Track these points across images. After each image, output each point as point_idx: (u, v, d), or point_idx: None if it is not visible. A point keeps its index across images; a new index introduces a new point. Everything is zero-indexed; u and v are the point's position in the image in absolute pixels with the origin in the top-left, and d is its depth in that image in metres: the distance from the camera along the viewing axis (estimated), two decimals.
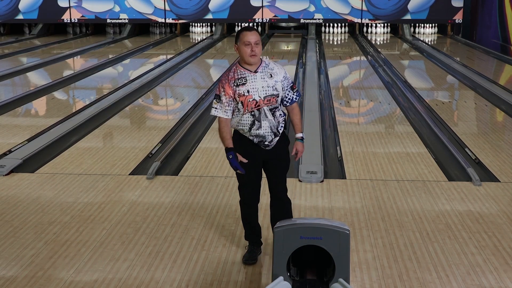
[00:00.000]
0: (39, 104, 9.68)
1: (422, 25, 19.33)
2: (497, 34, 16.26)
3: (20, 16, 19.96)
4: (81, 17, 19.74)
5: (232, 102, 3.89)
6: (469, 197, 5.31)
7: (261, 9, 19.13)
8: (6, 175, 5.96)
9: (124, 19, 19.69)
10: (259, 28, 19.78)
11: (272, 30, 19.74)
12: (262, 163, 4.02)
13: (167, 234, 4.56)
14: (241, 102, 3.85)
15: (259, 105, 3.86)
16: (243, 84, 3.85)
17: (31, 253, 4.25)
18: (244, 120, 3.89)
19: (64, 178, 5.88)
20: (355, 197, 5.33)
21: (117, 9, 19.61)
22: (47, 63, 13.72)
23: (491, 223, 4.74)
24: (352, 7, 18.93)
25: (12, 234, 4.59)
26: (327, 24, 19.56)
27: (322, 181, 5.73)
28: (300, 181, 5.69)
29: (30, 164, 6.30)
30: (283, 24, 19.82)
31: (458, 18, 18.67)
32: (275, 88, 3.89)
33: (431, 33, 19.34)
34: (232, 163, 3.91)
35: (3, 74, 11.91)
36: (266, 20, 19.19)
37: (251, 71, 3.88)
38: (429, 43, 17.47)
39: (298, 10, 19.06)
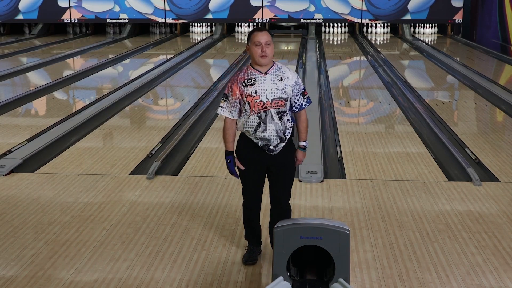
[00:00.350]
0: (39, 104, 9.68)
1: (422, 25, 19.33)
2: (497, 34, 16.26)
3: (20, 16, 19.96)
4: (81, 17, 19.74)
5: (239, 103, 3.85)
6: (469, 197, 5.31)
7: (261, 9, 19.13)
8: (6, 175, 5.96)
9: (124, 19, 19.69)
10: None
11: (272, 30, 19.74)
12: (265, 169, 3.96)
13: (167, 234, 4.56)
14: (248, 103, 3.81)
15: (266, 107, 3.80)
16: (252, 84, 3.81)
17: (31, 253, 4.25)
18: (250, 122, 3.83)
19: (64, 178, 5.88)
20: (355, 197, 5.33)
21: (117, 9, 19.61)
22: (47, 63, 13.72)
23: (491, 223, 4.74)
24: (352, 7, 18.93)
25: (12, 234, 4.59)
26: (327, 24, 19.56)
27: (322, 181, 5.73)
28: (300, 181, 5.68)
29: (30, 164, 6.30)
30: (283, 24, 19.82)
31: (458, 18, 18.67)
32: (284, 92, 3.82)
33: (431, 33, 19.34)
34: (229, 167, 3.92)
35: (3, 74, 11.91)
36: (266, 20, 19.19)
37: (261, 73, 3.84)
38: (429, 43, 17.47)
39: (298, 10, 19.06)
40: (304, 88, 3.94)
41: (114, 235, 4.54)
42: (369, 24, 19.42)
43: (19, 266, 4.07)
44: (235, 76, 3.90)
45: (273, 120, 3.81)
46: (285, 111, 3.85)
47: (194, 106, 9.14)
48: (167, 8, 19.43)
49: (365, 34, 19.44)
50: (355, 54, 15.62)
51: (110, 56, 14.85)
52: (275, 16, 19.17)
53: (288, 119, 3.88)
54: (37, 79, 12.32)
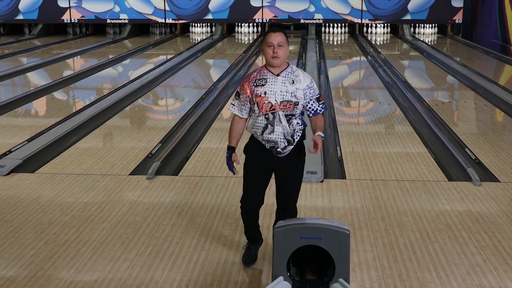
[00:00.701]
0: (39, 104, 9.68)
1: (422, 25, 19.33)
2: (497, 34, 16.26)
3: (20, 16, 19.96)
4: (81, 17, 19.74)
5: (249, 102, 3.84)
6: (469, 197, 5.31)
7: (261, 9, 19.13)
8: (6, 175, 5.96)
9: (124, 19, 19.69)
10: (259, 28, 19.80)
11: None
12: (272, 172, 3.92)
13: (167, 234, 4.56)
14: (257, 103, 3.78)
15: (274, 109, 3.76)
16: (262, 85, 3.79)
17: (31, 253, 4.25)
18: (258, 123, 3.80)
19: (64, 178, 5.88)
20: (355, 197, 5.33)
21: (117, 9, 19.61)
22: (47, 63, 13.72)
23: (491, 223, 4.74)
24: (352, 7, 18.94)
25: (12, 234, 4.59)
26: (327, 24, 19.56)
27: (322, 181, 5.73)
28: None
29: (30, 164, 6.30)
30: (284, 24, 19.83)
31: (458, 18, 18.67)
32: (294, 95, 3.77)
33: (431, 33, 19.35)
34: (227, 161, 3.90)
35: (3, 74, 11.91)
36: (266, 20, 19.19)
37: (273, 74, 3.81)
38: (429, 43, 17.47)
39: (298, 10, 19.06)
40: (319, 94, 3.87)
41: (114, 235, 4.54)
42: (369, 24, 19.43)
43: (19, 266, 4.07)
44: (249, 75, 3.89)
45: (281, 122, 3.76)
46: (294, 115, 3.79)
47: (194, 106, 9.14)
48: (167, 8, 19.43)
49: (365, 34, 19.44)
50: (355, 54, 15.62)
51: (110, 56, 14.85)
52: (275, 16, 19.17)
53: (298, 123, 3.81)
54: (37, 79, 12.32)
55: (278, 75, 3.81)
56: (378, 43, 17.90)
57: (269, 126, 3.78)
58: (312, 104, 3.84)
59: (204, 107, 8.97)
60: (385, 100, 9.66)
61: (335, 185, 5.63)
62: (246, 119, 3.92)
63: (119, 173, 6.04)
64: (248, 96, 3.82)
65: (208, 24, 20.11)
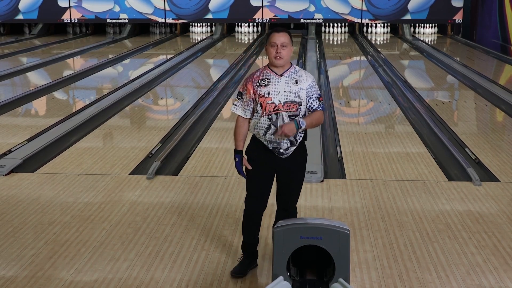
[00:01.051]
0: (39, 104, 9.68)
1: (422, 25, 19.33)
2: (497, 34, 16.26)
3: (20, 16, 19.96)
4: (81, 17, 19.74)
5: (252, 103, 3.80)
6: (469, 197, 5.31)
7: (261, 9, 19.13)
8: (6, 175, 5.96)
9: (124, 19, 19.69)
10: (259, 28, 19.80)
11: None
12: (274, 173, 3.87)
13: (167, 234, 4.56)
14: (260, 104, 3.74)
15: (277, 109, 3.72)
16: (266, 85, 3.75)
17: (31, 253, 4.25)
18: (261, 123, 3.76)
19: (64, 178, 5.88)
20: (355, 197, 5.33)
21: (117, 9, 19.61)
22: (47, 63, 13.72)
23: (491, 223, 4.74)
24: (352, 7, 18.93)
25: (12, 234, 4.59)
26: (327, 24, 19.56)
27: (322, 181, 5.73)
28: None
29: (30, 164, 6.30)
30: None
31: (458, 18, 18.67)
32: (298, 95, 3.74)
33: (431, 33, 19.34)
34: (237, 166, 3.85)
35: (3, 74, 11.91)
36: (266, 20, 19.19)
37: (276, 74, 3.77)
38: (429, 43, 17.47)
39: (298, 10, 19.06)
40: (319, 95, 3.83)
41: (114, 235, 4.54)
42: (369, 24, 19.43)
43: (19, 266, 4.07)
44: (252, 75, 3.85)
45: (284, 123, 3.72)
46: (297, 115, 3.75)
47: (194, 106, 9.14)
48: (167, 8, 19.43)
49: (365, 34, 19.44)
50: (355, 54, 15.62)
51: (110, 56, 14.85)
52: (275, 16, 19.17)
53: None
54: (37, 79, 12.32)
55: (281, 75, 3.77)
56: (378, 43, 17.90)
57: (272, 126, 3.74)
58: (312, 102, 3.81)
59: (204, 107, 8.97)
60: (385, 100, 9.66)
61: (335, 185, 5.63)
62: (249, 119, 3.88)
63: (119, 173, 6.04)
64: (251, 96, 3.78)
65: (208, 24, 20.11)
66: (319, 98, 3.83)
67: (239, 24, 19.99)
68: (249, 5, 19.18)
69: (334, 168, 6.26)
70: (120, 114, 8.82)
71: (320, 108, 3.83)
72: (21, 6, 19.82)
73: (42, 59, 14.17)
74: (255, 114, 3.81)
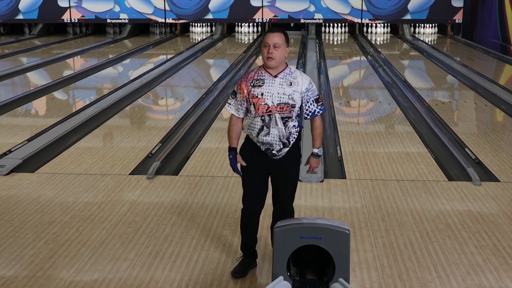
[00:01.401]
0: (39, 104, 9.68)
1: (422, 25, 19.33)
2: (497, 34, 16.26)
3: (20, 16, 19.96)
4: (81, 17, 19.74)
5: (245, 102, 3.78)
6: (469, 197, 5.31)
7: (261, 9, 19.13)
8: (6, 175, 5.96)
9: (124, 19, 19.69)
10: (259, 28, 19.79)
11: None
12: (268, 173, 3.86)
13: (167, 234, 4.56)
14: (254, 104, 3.72)
15: (270, 111, 3.70)
16: (259, 86, 3.72)
17: (31, 253, 4.25)
18: (253, 124, 3.75)
19: (64, 178, 5.88)
20: (355, 197, 5.33)
21: (117, 9, 19.61)
22: (47, 63, 13.72)
23: (491, 223, 4.75)
24: (352, 7, 18.93)
25: (12, 234, 4.59)
26: (327, 24, 19.56)
27: (322, 181, 5.73)
28: (300, 181, 5.68)
29: (30, 164, 6.30)
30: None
31: (458, 18, 18.67)
32: (292, 98, 3.71)
33: (431, 33, 19.34)
34: (231, 163, 3.84)
35: (3, 74, 11.90)
36: (266, 20, 19.19)
37: (271, 75, 3.74)
38: (429, 43, 17.47)
39: (298, 10, 19.06)
40: (318, 95, 3.81)
41: (114, 235, 4.54)
42: (369, 24, 19.43)
43: (19, 265, 4.07)
44: (246, 74, 3.83)
45: (277, 125, 3.70)
46: (291, 117, 3.73)
47: (194, 106, 9.14)
48: (167, 8, 19.43)
49: (365, 34, 19.44)
50: (355, 54, 15.62)
51: (110, 56, 14.85)
52: (275, 16, 19.17)
53: (294, 125, 3.76)
54: (37, 79, 12.32)
55: (275, 76, 3.74)
56: (378, 43, 17.90)
57: (264, 128, 3.72)
58: (310, 106, 3.79)
59: (204, 107, 8.97)
60: (385, 100, 9.66)
61: (335, 185, 5.63)
62: (243, 118, 3.86)
63: (119, 173, 6.04)
64: (245, 96, 3.76)
65: (208, 24, 20.11)
66: (317, 100, 3.80)
67: (239, 24, 19.99)
68: (249, 5, 19.18)
69: (334, 168, 6.26)
70: (120, 114, 8.82)
71: (320, 111, 3.82)
72: (21, 6, 19.82)
73: (42, 59, 14.17)
74: (249, 115, 3.79)
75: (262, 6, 19.10)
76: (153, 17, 19.62)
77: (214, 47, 16.79)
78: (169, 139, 7.26)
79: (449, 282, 3.84)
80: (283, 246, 3.42)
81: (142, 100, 9.92)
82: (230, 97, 3.88)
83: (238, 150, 3.90)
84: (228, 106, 3.87)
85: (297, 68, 12.73)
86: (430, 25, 19.35)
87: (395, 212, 4.97)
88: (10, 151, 6.70)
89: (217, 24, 19.77)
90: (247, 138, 3.87)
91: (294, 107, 3.74)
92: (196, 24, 20.18)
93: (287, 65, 3.81)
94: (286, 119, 3.73)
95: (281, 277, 3.40)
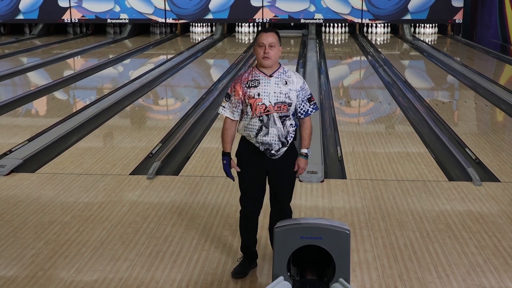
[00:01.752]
0: (39, 104, 9.68)
1: (422, 25, 19.33)
2: (497, 34, 16.26)
3: (20, 16, 19.96)
4: (81, 17, 19.74)
5: (241, 104, 3.77)
6: (469, 197, 5.31)
7: (261, 9, 19.13)
8: (6, 175, 5.96)
9: (125, 19, 19.69)
10: (259, 28, 19.79)
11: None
12: (265, 174, 3.85)
13: (167, 234, 4.56)
14: (250, 105, 3.71)
15: (268, 111, 3.70)
16: (255, 86, 3.72)
17: (31, 253, 4.25)
18: (251, 125, 3.73)
19: (64, 178, 5.89)
20: (355, 197, 5.33)
21: (117, 9, 19.61)
22: (47, 63, 13.72)
23: (491, 223, 4.75)
24: (352, 7, 18.93)
25: (12, 234, 4.59)
26: (327, 24, 19.56)
27: (322, 181, 5.73)
28: (300, 181, 5.68)
29: (31, 164, 6.30)
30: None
31: (458, 18, 18.67)
32: (288, 96, 3.71)
33: (431, 33, 19.34)
34: (225, 169, 3.82)
35: (3, 74, 11.91)
36: (266, 20, 19.19)
37: (266, 75, 3.75)
38: (429, 43, 17.47)
39: (298, 10, 19.06)
40: (310, 94, 3.82)
41: (115, 235, 4.55)
42: (369, 24, 19.42)
43: (20, 266, 4.07)
44: (240, 76, 3.82)
45: (275, 124, 3.70)
46: (288, 116, 3.74)
47: (194, 106, 9.14)
48: (167, 8, 19.43)
49: (365, 34, 19.44)
50: (355, 54, 15.62)
51: (111, 56, 14.85)
52: (275, 16, 19.17)
53: (291, 124, 3.76)
54: (37, 79, 12.32)
55: (271, 76, 3.75)
56: (378, 43, 17.90)
57: (263, 128, 3.71)
58: (303, 105, 3.79)
59: (205, 107, 8.97)
60: (385, 100, 9.66)
61: (335, 185, 5.63)
62: (237, 121, 3.84)
63: (119, 173, 6.04)
64: (241, 97, 3.75)
65: (208, 24, 20.10)
66: (310, 99, 3.80)
67: (240, 24, 19.99)
68: (249, 5, 19.18)
69: (335, 168, 6.26)
70: (121, 114, 8.82)
71: (314, 110, 3.82)
72: (21, 6, 19.82)
73: (42, 59, 14.17)
74: (245, 116, 3.77)
75: (262, 6, 19.10)
76: (153, 17, 19.62)
77: (214, 47, 16.79)
78: (169, 139, 7.27)
79: (450, 282, 3.84)
80: (284, 246, 3.42)
81: (143, 100, 9.92)
82: (224, 100, 3.85)
83: (234, 153, 3.89)
84: (223, 109, 3.84)
85: (297, 68, 12.74)
86: (430, 25, 19.35)
87: (395, 212, 4.97)
88: (10, 151, 6.70)
89: (217, 24, 19.77)
90: (243, 139, 3.85)
91: (291, 106, 3.74)
92: (196, 24, 20.18)
93: (280, 65, 3.82)
94: (284, 118, 3.73)
95: (281, 277, 3.40)
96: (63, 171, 6.09)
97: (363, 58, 15.02)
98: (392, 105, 9.31)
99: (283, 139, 3.74)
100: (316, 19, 19.11)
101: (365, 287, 3.80)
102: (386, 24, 19.45)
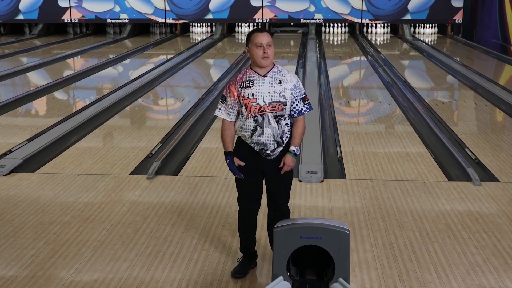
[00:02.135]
0: (39, 104, 9.68)
1: (422, 25, 19.33)
2: (497, 34, 16.26)
3: (20, 16, 19.96)
4: (81, 17, 19.74)
5: (236, 105, 3.77)
6: (469, 197, 5.31)
7: (261, 9, 19.13)
8: (6, 175, 5.96)
9: (124, 19, 19.69)
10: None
11: (275, 27, 19.75)
12: (262, 174, 3.85)
13: (167, 234, 4.56)
14: (245, 106, 3.71)
15: (263, 111, 3.70)
16: (249, 87, 3.71)
17: (31, 253, 4.26)
18: (246, 125, 3.73)
19: (64, 178, 5.89)
20: (355, 197, 5.33)
21: (117, 9, 19.61)
22: (47, 63, 13.72)
23: (491, 223, 4.75)
24: (352, 7, 18.93)
25: (12, 234, 4.59)
26: (327, 24, 19.56)
27: (322, 181, 5.73)
28: (300, 181, 5.69)
29: (30, 164, 6.30)
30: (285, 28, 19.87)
31: (458, 18, 18.67)
32: (283, 95, 3.71)
33: (431, 33, 19.34)
34: (230, 167, 3.81)
35: (3, 74, 11.91)
36: (266, 20, 19.19)
37: (260, 75, 3.74)
38: (429, 43, 17.48)
39: (298, 10, 19.06)
40: (305, 94, 3.81)
41: (114, 235, 4.55)
42: (369, 24, 19.43)
43: (19, 266, 4.08)
44: (234, 77, 3.82)
45: (270, 124, 3.70)
46: (283, 115, 3.74)
47: (194, 106, 9.14)
48: (167, 8, 19.43)
49: (365, 34, 19.44)
50: (355, 54, 15.62)
51: (110, 56, 14.85)
52: (275, 16, 19.17)
53: (287, 123, 3.76)
54: (37, 79, 12.32)
55: (265, 75, 3.74)
56: (378, 43, 17.90)
57: (258, 128, 3.71)
58: (297, 104, 3.78)
59: (204, 107, 8.97)
60: (385, 100, 9.66)
61: (335, 185, 5.63)
62: (235, 122, 3.84)
63: (119, 173, 6.04)
64: (236, 98, 3.75)
65: (208, 24, 20.11)
66: (304, 99, 3.79)
67: (239, 24, 19.99)
68: (249, 5, 19.18)
69: (334, 168, 6.26)
70: (120, 114, 8.82)
71: (307, 110, 3.81)
72: (21, 6, 19.82)
73: (42, 59, 14.17)
74: (240, 117, 3.77)
75: (262, 6, 19.11)
76: (153, 17, 19.62)
77: (214, 47, 16.79)
78: (169, 139, 7.27)
79: (449, 282, 3.84)
80: (283, 246, 3.43)
81: (142, 100, 9.92)
82: (220, 102, 3.85)
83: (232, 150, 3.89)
84: (219, 111, 3.84)
85: (297, 68, 12.74)
86: (430, 25, 19.35)
87: (395, 212, 4.97)
88: (10, 151, 6.71)
89: (217, 24, 19.77)
90: (239, 140, 3.85)
91: (286, 105, 3.74)
92: (196, 24, 20.18)
93: (274, 64, 3.81)
94: (278, 117, 3.73)
95: (281, 277, 3.40)
96: (63, 171, 6.09)
97: (363, 58, 15.03)
98: (391, 105, 9.32)
99: (278, 139, 3.74)
100: (316, 19, 19.11)
101: (364, 287, 3.80)
102: (386, 24, 19.45)
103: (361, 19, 19.01)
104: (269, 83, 3.73)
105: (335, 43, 18.17)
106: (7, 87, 11.17)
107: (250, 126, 3.73)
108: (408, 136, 7.43)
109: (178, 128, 7.83)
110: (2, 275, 3.95)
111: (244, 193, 3.90)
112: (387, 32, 19.56)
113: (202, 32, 20.13)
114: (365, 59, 14.72)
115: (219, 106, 3.85)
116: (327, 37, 19.03)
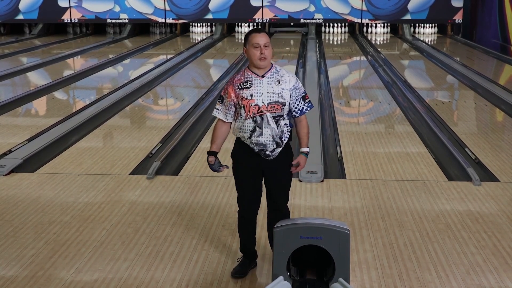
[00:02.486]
0: (39, 104, 9.68)
1: (422, 25, 19.33)
2: (497, 34, 16.26)
3: (20, 16, 19.96)
4: (81, 17, 19.74)
5: (233, 106, 3.77)
6: (469, 197, 5.31)
7: (261, 9, 19.13)
8: (6, 175, 5.96)
9: (124, 19, 19.69)
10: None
11: (275, 27, 19.76)
12: (261, 174, 3.85)
13: (167, 234, 4.56)
14: (243, 106, 3.71)
15: (261, 111, 3.69)
16: (248, 87, 3.71)
17: (31, 253, 4.26)
18: (245, 126, 3.73)
19: (64, 178, 5.89)
20: (355, 197, 5.33)
21: (117, 9, 19.61)
22: (47, 63, 13.72)
23: (490, 223, 4.75)
24: (352, 7, 18.94)
25: (12, 234, 4.59)
26: (327, 24, 19.56)
27: (322, 181, 5.73)
28: (300, 181, 5.69)
29: (30, 164, 6.30)
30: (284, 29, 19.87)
31: (458, 18, 18.67)
32: (281, 96, 3.71)
33: (431, 33, 19.35)
34: (211, 167, 3.88)
35: (3, 74, 11.91)
36: (266, 20, 19.20)
37: (258, 75, 3.73)
38: (429, 43, 17.48)
39: (298, 10, 19.06)
40: (305, 92, 3.82)
41: (114, 235, 4.55)
42: (369, 24, 19.43)
43: (19, 266, 4.07)
44: (232, 78, 3.81)
45: (269, 124, 3.70)
46: (282, 116, 3.74)
47: (194, 106, 9.14)
48: (167, 8, 19.43)
49: (365, 34, 19.44)
50: (355, 54, 15.62)
51: (110, 56, 14.85)
52: (275, 16, 19.17)
53: (286, 124, 3.76)
54: (37, 79, 12.32)
55: (263, 76, 3.73)
56: (378, 43, 17.90)
57: (257, 129, 3.71)
58: (298, 104, 3.78)
59: (204, 107, 8.97)
60: (385, 99, 9.66)
61: (335, 185, 5.63)
62: (231, 123, 3.85)
63: (119, 173, 6.04)
64: (233, 99, 3.75)
65: (208, 24, 20.11)
66: (304, 97, 3.80)
67: (239, 24, 19.99)
68: (249, 5, 19.18)
69: (334, 168, 6.26)
70: (120, 114, 8.82)
71: (309, 108, 3.82)
72: (21, 6, 19.82)
73: (42, 59, 14.17)
74: (239, 117, 3.77)
75: (262, 6, 19.11)
76: (153, 17, 19.62)
77: (214, 47, 16.79)
78: (169, 139, 7.27)
79: (449, 282, 3.84)
80: (283, 246, 3.43)
81: (142, 100, 9.92)
82: (218, 102, 3.86)
83: (230, 155, 3.90)
84: (216, 111, 3.85)
85: (297, 68, 12.74)
86: (430, 25, 19.35)
87: (395, 212, 4.97)
88: (10, 151, 6.71)
89: (217, 24, 19.78)
90: (238, 140, 3.85)
91: (285, 105, 3.74)
92: (196, 24, 20.18)
93: (272, 65, 3.81)
94: (277, 118, 3.73)
95: (281, 277, 3.40)
96: (62, 171, 6.09)
97: (363, 58, 15.03)
98: (391, 105, 9.32)
99: (278, 140, 3.74)
100: (316, 19, 19.11)
101: (364, 287, 3.80)
102: (386, 24, 19.45)
103: (361, 19, 19.01)
104: (268, 83, 3.72)
105: (335, 43, 18.17)
106: (7, 87, 11.17)
107: (249, 127, 3.73)
108: (408, 136, 7.43)
109: (178, 128, 7.83)
110: (2, 275, 3.95)
111: (243, 193, 3.90)
112: (387, 32, 19.57)
113: (202, 32, 20.13)
114: (365, 59, 14.72)
115: (216, 106, 3.86)
116: (327, 37, 19.03)
